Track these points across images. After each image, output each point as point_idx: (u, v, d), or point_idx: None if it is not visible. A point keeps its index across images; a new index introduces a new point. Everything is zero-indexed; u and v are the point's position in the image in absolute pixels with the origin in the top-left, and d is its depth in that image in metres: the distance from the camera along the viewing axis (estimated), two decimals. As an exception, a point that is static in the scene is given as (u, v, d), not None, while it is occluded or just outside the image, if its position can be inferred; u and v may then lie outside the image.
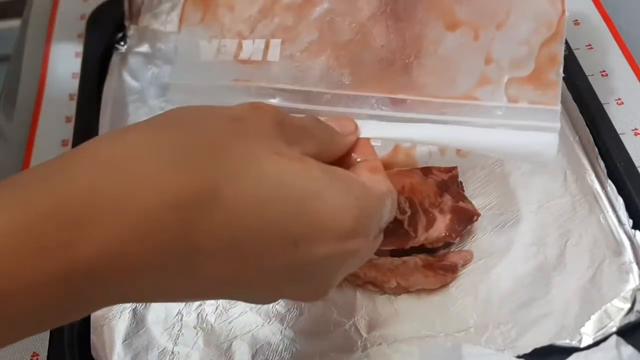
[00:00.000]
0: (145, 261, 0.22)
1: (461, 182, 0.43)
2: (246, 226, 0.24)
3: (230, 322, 0.39)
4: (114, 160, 0.23)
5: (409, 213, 0.40)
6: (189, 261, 0.24)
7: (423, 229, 0.40)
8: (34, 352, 0.39)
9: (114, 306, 0.40)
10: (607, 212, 0.41)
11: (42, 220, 0.21)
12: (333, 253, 0.27)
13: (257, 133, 0.26)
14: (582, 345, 0.36)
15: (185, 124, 0.25)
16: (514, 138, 0.35)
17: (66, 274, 0.21)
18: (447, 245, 0.41)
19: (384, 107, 0.37)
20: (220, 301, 0.40)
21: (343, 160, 0.33)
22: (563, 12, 0.36)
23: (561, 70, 0.36)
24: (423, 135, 0.36)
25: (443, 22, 0.37)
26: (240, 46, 0.39)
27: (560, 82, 0.36)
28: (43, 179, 0.22)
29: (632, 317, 0.36)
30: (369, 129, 0.34)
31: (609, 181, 0.42)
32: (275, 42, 0.38)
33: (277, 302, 0.40)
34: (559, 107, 0.35)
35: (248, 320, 0.39)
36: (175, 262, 0.23)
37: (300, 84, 0.37)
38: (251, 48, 0.38)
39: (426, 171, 0.42)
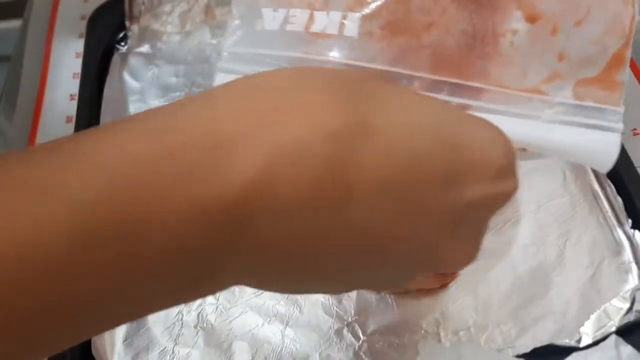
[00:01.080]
0: (296, 196, 0.20)
1: (461, 182, 0.43)
2: (398, 162, 0.21)
3: (230, 322, 0.39)
4: (259, 91, 0.21)
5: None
6: (340, 202, 0.21)
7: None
8: (34, 352, 0.39)
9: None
10: (607, 212, 0.41)
11: (187, 144, 0.19)
12: (485, 195, 0.23)
13: (382, 78, 0.25)
14: (582, 344, 0.36)
15: (316, 69, 0.24)
16: (577, 136, 0.35)
17: (214, 203, 0.19)
18: (447, 245, 0.41)
19: (455, 95, 0.36)
20: (221, 300, 0.40)
21: None
22: (634, 15, 0.35)
23: (626, 72, 0.36)
24: None
25: (523, 12, 0.36)
26: (312, 18, 0.36)
27: (625, 84, 0.36)
28: (184, 109, 0.21)
29: (631, 317, 0.36)
30: None
31: (608, 181, 0.42)
32: (354, 16, 0.36)
33: (277, 302, 0.40)
34: (622, 109, 0.35)
35: (248, 319, 0.39)
36: (326, 201, 0.20)
37: (377, 62, 0.35)
38: (325, 20, 0.36)
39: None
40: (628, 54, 0.36)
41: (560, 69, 0.36)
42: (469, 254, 0.26)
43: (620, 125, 0.35)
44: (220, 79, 0.39)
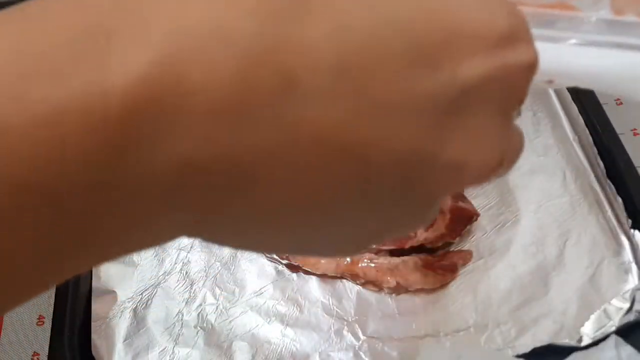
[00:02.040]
0: (215, 95, 0.15)
1: (461, 182, 0.44)
2: (354, 36, 0.16)
3: (230, 322, 0.39)
4: None
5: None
6: (280, 96, 0.15)
7: (422, 228, 0.40)
8: (34, 352, 0.39)
9: (115, 306, 0.40)
10: (606, 212, 0.41)
11: (51, 41, 0.14)
12: (488, 70, 0.18)
13: None
14: (582, 344, 0.36)
15: None
16: (614, 59, 0.29)
17: (89, 110, 0.14)
18: (447, 245, 0.41)
19: None
20: (221, 300, 0.40)
21: None
22: None
23: None
24: None
25: None
26: None
27: None
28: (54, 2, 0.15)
29: (631, 317, 0.36)
30: None
31: (608, 181, 0.42)
32: None
33: (277, 302, 0.40)
34: None
35: (248, 319, 0.39)
36: (261, 96, 0.15)
37: None
38: None
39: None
40: None
41: None
42: (488, 150, 0.19)
43: None
44: None
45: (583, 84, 0.33)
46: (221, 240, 0.19)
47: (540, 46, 0.28)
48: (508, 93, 0.19)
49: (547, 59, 0.28)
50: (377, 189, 0.17)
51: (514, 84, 0.19)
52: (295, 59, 0.15)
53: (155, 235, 0.17)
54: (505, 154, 0.20)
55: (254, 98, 0.15)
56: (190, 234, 0.17)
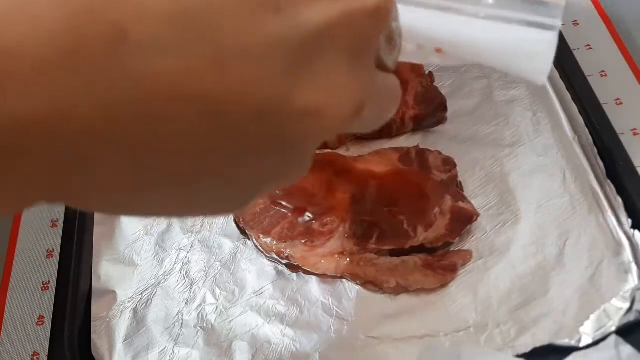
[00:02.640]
0: (39, 57, 0.14)
1: (460, 182, 0.44)
2: None
3: (230, 322, 0.39)
4: None
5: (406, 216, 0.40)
6: (110, 50, 0.14)
7: (422, 229, 0.40)
8: (34, 352, 0.39)
9: (115, 306, 0.40)
10: (606, 212, 0.41)
11: None
12: (335, 12, 0.17)
13: None
14: (582, 344, 0.36)
15: None
16: (505, 33, 0.29)
17: None
18: (447, 245, 0.41)
19: None
20: (221, 300, 0.40)
21: None
22: None
23: None
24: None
25: None
26: None
27: None
28: None
29: (631, 317, 0.36)
30: None
31: (608, 181, 0.42)
32: None
33: (277, 302, 0.40)
34: (563, 2, 0.30)
35: (248, 319, 0.39)
36: (89, 53, 0.14)
37: None
38: None
39: (426, 170, 0.42)
40: None
41: None
42: (341, 95, 0.19)
43: (559, 22, 0.29)
44: None
45: (470, 56, 0.32)
46: (84, 205, 0.18)
47: (437, 15, 0.28)
48: (357, 37, 0.19)
49: (435, 28, 0.29)
50: (238, 139, 0.17)
51: (361, 29, 0.19)
52: (125, 8, 0.14)
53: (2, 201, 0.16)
54: (365, 99, 0.19)
55: (83, 50, 0.14)
56: (48, 199, 0.17)
